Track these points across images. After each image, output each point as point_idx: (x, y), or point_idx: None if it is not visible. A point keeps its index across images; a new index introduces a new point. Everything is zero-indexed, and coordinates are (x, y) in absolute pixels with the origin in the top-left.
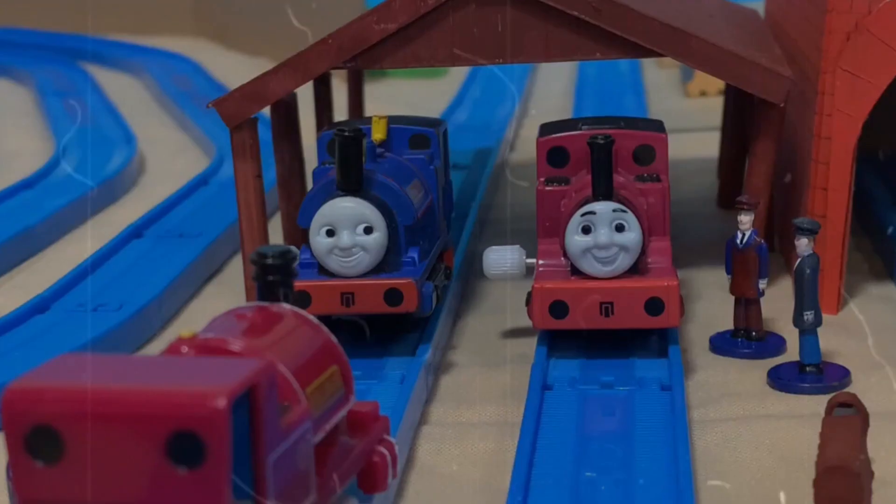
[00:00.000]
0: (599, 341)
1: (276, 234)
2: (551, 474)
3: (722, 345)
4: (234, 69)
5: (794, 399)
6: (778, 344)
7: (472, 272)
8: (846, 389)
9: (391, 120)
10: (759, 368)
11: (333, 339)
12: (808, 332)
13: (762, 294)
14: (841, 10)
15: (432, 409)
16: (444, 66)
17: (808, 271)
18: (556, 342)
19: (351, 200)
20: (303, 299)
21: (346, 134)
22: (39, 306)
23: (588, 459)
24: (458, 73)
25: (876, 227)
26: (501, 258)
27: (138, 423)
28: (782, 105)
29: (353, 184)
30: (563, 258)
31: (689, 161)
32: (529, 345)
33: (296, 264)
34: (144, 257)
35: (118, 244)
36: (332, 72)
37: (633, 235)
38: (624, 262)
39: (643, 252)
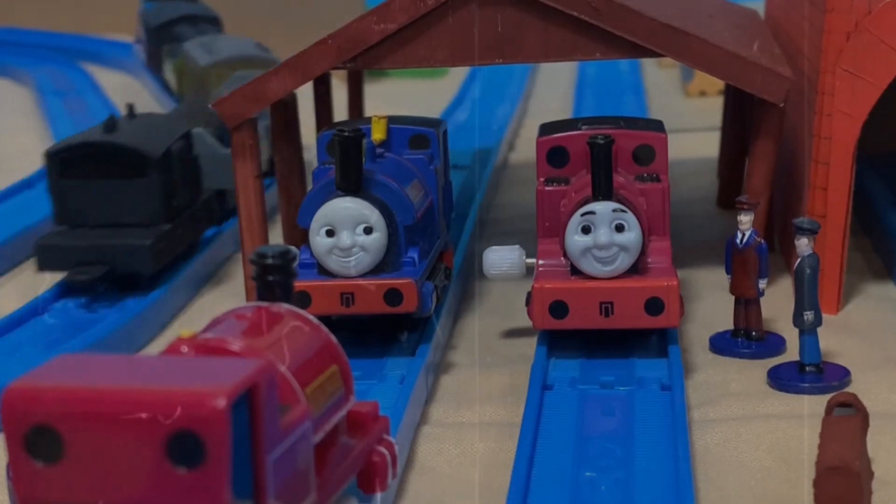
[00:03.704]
0: (599, 341)
1: (276, 234)
2: (551, 474)
3: (722, 345)
4: None
5: (794, 399)
6: (778, 344)
7: (472, 272)
8: (846, 389)
9: (391, 120)
10: (759, 368)
11: (333, 339)
12: (808, 332)
13: (762, 294)
14: (841, 10)
15: (432, 409)
16: (444, 66)
17: (808, 271)
18: (556, 342)
19: (351, 201)
20: (303, 299)
21: (346, 134)
22: (39, 306)
23: (588, 459)
24: (458, 73)
25: (876, 227)
26: (501, 258)
27: (138, 422)
28: (782, 105)
29: (352, 184)
30: (563, 258)
31: (689, 161)
32: (529, 345)
33: (296, 264)
34: None
35: None
36: (332, 72)
37: (632, 235)
38: (624, 262)
39: (643, 252)
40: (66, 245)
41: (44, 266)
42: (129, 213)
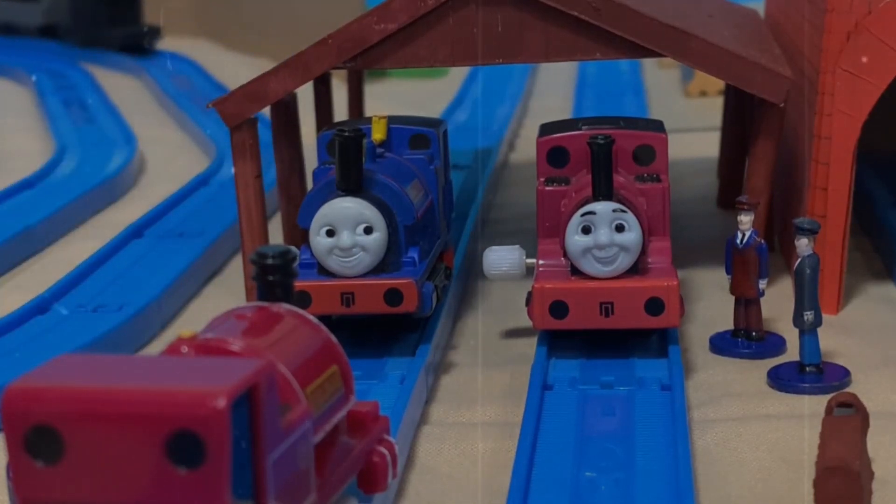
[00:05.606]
0: (599, 341)
1: (276, 234)
2: (551, 474)
3: (722, 345)
4: (234, 69)
5: (794, 399)
6: (778, 344)
7: (472, 272)
8: (846, 389)
9: (391, 120)
10: (759, 368)
11: (333, 339)
12: (808, 332)
13: (762, 294)
14: (841, 10)
15: (432, 409)
16: (444, 66)
17: (808, 271)
18: (556, 342)
19: (351, 200)
20: (303, 299)
21: (346, 134)
22: (39, 307)
23: (588, 459)
24: (458, 73)
25: (876, 227)
26: (501, 258)
27: (138, 423)
28: (782, 105)
29: (353, 184)
30: (563, 258)
31: (689, 161)
32: (529, 345)
33: (296, 264)
34: (144, 257)
35: (118, 244)
36: (332, 72)
37: (633, 235)
38: (624, 262)
39: (643, 252)
40: None
41: None
42: None
